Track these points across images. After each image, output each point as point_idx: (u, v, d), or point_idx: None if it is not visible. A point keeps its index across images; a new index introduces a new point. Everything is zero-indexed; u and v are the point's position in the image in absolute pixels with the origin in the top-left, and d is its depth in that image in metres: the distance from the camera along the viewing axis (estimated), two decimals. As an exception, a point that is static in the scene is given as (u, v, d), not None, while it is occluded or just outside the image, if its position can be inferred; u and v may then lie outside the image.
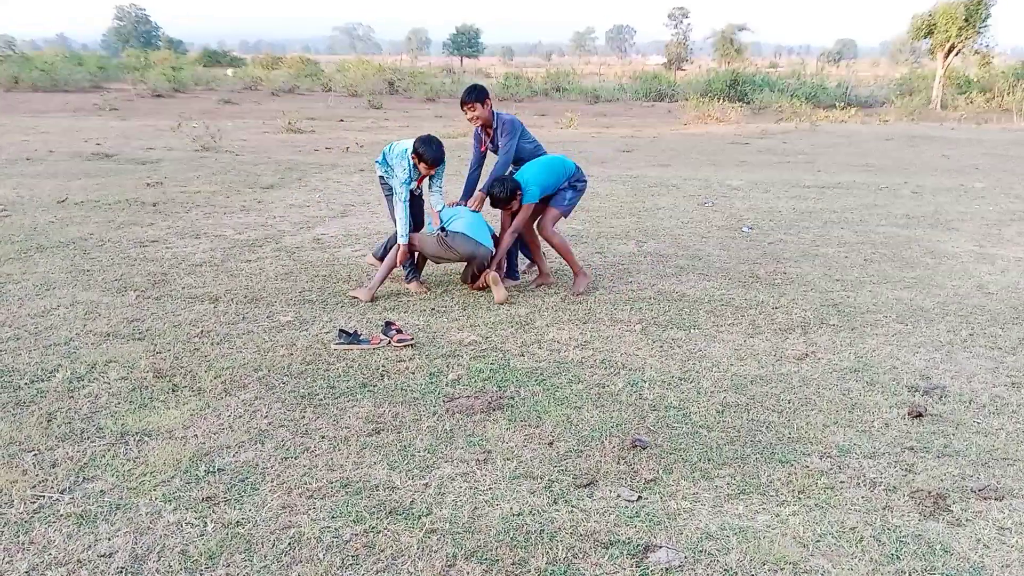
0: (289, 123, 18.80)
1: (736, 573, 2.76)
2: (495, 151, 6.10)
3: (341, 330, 4.89)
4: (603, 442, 3.66)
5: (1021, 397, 4.27)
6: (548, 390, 4.26)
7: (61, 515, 3.03)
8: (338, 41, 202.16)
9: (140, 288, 5.94)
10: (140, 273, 6.34)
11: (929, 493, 3.26)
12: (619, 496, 3.23)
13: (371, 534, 2.94)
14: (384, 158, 5.84)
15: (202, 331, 5.07)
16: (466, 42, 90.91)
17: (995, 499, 3.25)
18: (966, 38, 32.51)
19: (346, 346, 4.78)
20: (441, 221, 5.90)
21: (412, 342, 4.86)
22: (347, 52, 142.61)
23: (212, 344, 4.85)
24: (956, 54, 33.46)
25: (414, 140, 5.74)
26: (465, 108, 5.92)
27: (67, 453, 3.48)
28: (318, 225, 8.36)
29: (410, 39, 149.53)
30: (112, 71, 38.19)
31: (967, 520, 3.10)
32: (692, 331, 5.23)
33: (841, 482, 3.37)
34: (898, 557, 2.86)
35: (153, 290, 5.90)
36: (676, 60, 64.08)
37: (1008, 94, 30.33)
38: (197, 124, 15.96)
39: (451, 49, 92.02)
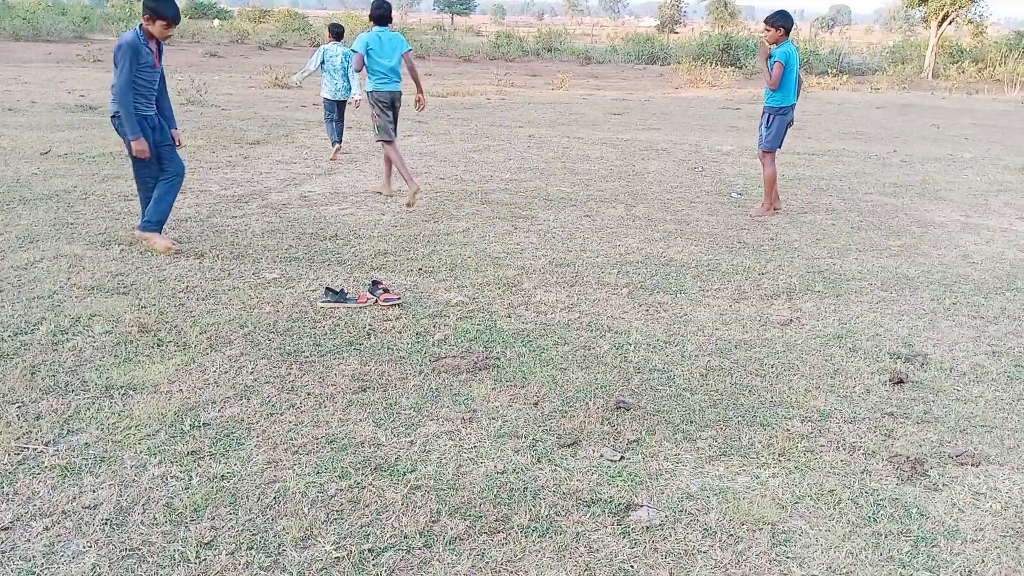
0: (276, 78, 18.53)
1: (715, 532, 2.80)
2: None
3: (328, 288, 4.88)
4: (587, 403, 3.69)
5: (1001, 366, 4.32)
6: (534, 351, 4.27)
7: (45, 467, 3.03)
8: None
9: (125, 242, 5.89)
10: (125, 227, 6.28)
11: (907, 458, 3.31)
12: (602, 456, 3.26)
13: (356, 489, 2.96)
14: None
15: (187, 287, 5.04)
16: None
17: (972, 465, 3.30)
18: (960, 7, 32.32)
19: (332, 304, 4.77)
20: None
21: (399, 301, 4.86)
22: (336, 7, 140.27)
23: (197, 300, 4.83)
24: (950, 23, 33.30)
25: None
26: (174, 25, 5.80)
27: (51, 406, 3.47)
28: (305, 182, 8.29)
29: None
30: (96, 21, 37.34)
31: (944, 485, 3.16)
32: (678, 295, 5.25)
33: (821, 446, 3.42)
34: (875, 519, 2.91)
35: (138, 244, 5.85)
36: (669, 23, 63.58)
37: (1000, 64, 30.29)
38: (182, 77, 15.69)
39: (442, 6, 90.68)
